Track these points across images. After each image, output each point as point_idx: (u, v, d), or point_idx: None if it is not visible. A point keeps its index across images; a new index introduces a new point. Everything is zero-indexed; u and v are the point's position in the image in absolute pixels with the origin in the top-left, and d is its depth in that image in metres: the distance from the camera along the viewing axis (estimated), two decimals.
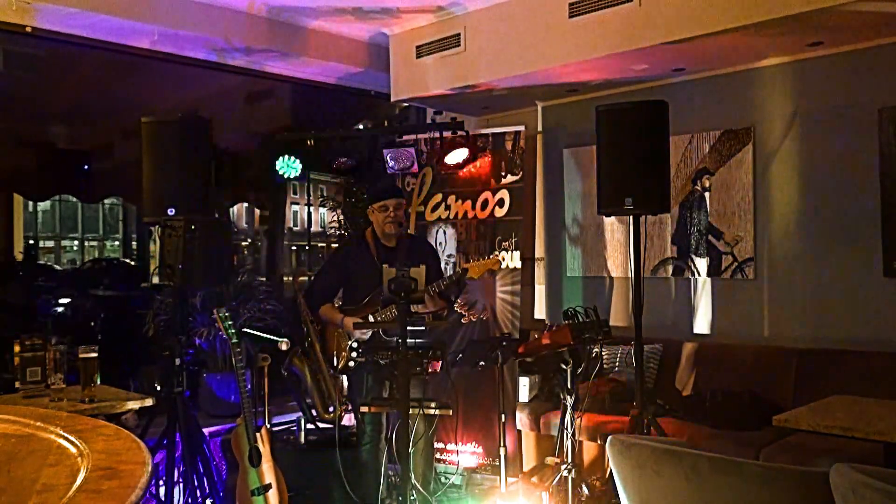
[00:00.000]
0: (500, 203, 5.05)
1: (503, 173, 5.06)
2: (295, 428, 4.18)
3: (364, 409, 3.57)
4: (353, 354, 3.52)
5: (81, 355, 3.39)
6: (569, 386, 3.50)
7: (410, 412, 3.15)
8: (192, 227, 3.60)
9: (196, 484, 3.53)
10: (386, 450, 3.46)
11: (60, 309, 6.26)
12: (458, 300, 4.13)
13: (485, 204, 5.10)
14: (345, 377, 4.16)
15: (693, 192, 4.71)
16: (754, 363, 4.24)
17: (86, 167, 6.01)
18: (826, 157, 4.23)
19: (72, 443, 1.43)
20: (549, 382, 4.57)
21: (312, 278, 4.57)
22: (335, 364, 3.83)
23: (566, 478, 3.50)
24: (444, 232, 5.10)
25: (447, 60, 4.90)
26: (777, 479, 2.02)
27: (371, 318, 3.74)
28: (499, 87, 4.88)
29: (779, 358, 4.17)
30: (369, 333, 3.76)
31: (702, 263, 4.68)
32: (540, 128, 5.42)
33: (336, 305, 3.97)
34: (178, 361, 3.62)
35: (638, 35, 4.00)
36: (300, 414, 4.24)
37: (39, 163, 5.75)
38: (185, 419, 3.57)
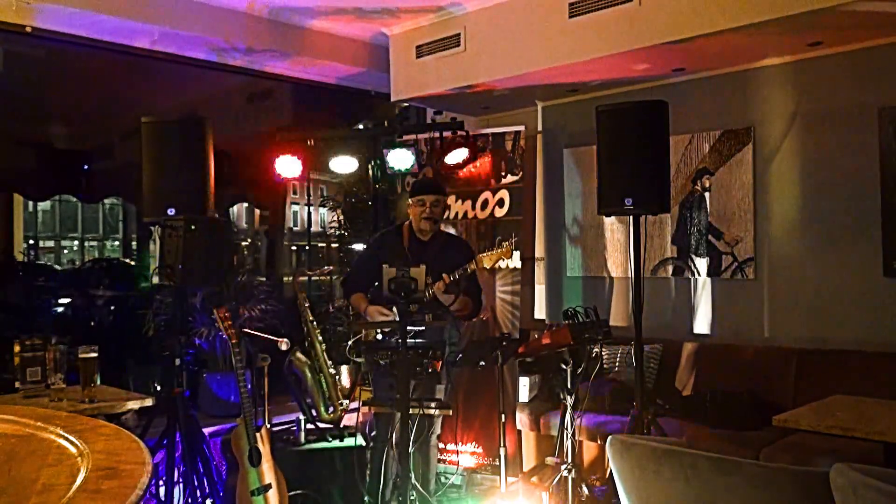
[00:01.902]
0: (500, 203, 5.05)
1: (503, 173, 5.06)
2: (295, 428, 4.18)
3: (365, 408, 3.57)
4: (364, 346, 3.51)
5: (81, 355, 3.39)
6: (569, 386, 3.50)
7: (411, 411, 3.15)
8: (192, 227, 3.60)
9: (196, 484, 3.52)
10: (387, 450, 3.46)
11: (60, 309, 6.26)
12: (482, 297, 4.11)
13: (485, 204, 5.10)
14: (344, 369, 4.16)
15: (693, 192, 4.71)
16: (754, 363, 4.24)
17: (86, 167, 6.00)
18: (826, 158, 4.23)
19: (72, 443, 1.43)
20: (549, 382, 4.57)
21: (351, 266, 4.58)
22: (355, 354, 3.84)
23: (566, 478, 3.50)
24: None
25: (447, 60, 4.90)
26: (777, 479, 2.02)
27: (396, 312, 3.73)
28: (499, 87, 4.88)
29: (779, 358, 4.17)
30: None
31: (702, 263, 4.68)
32: (540, 128, 5.42)
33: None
34: (178, 361, 3.62)
35: (638, 35, 4.00)
36: (300, 414, 4.24)
37: (39, 163, 5.75)
38: (185, 419, 3.56)
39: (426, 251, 3.83)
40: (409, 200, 3.91)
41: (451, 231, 5.15)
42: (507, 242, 3.75)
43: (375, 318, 3.77)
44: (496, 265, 3.96)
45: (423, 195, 3.85)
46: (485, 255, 3.68)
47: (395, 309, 3.76)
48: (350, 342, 3.62)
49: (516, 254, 4.96)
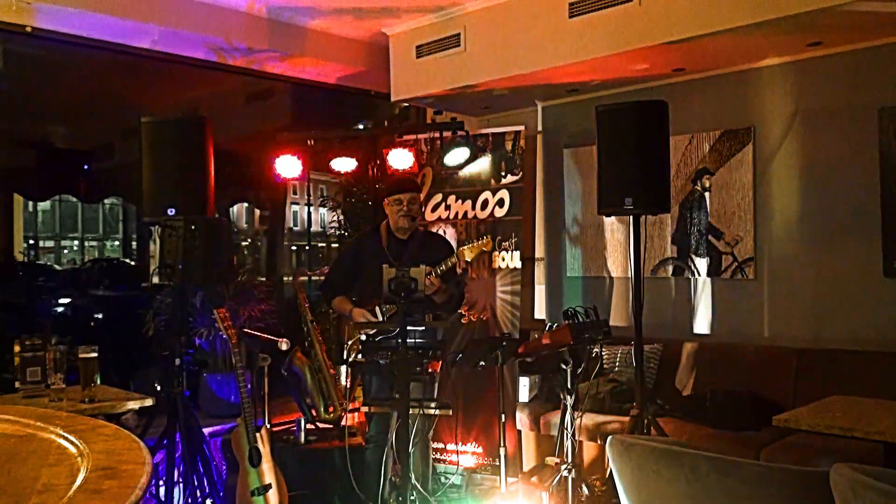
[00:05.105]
0: (500, 203, 5.05)
1: (503, 173, 5.06)
2: (295, 428, 4.18)
3: (364, 408, 3.57)
4: (360, 347, 3.51)
5: (81, 355, 3.38)
6: (569, 386, 3.50)
7: (410, 412, 3.15)
8: (192, 227, 3.60)
9: (196, 484, 3.52)
10: (387, 450, 3.46)
11: (60, 309, 6.25)
12: (465, 287, 4.11)
13: (485, 204, 5.10)
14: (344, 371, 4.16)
15: (693, 192, 4.71)
16: (754, 363, 4.24)
17: (86, 167, 6.00)
18: (826, 157, 4.23)
19: (72, 443, 1.43)
20: (549, 382, 4.57)
21: (329, 269, 4.58)
22: (345, 356, 3.84)
23: (566, 478, 3.50)
24: (444, 232, 5.10)
25: (447, 60, 4.90)
26: (777, 479, 2.02)
27: (378, 311, 3.73)
28: (499, 87, 4.88)
29: (779, 358, 4.17)
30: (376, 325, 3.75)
31: (702, 263, 4.68)
32: (540, 128, 5.42)
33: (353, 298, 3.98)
34: (178, 361, 3.62)
35: (638, 35, 4.00)
36: (300, 414, 4.24)
37: (39, 163, 5.75)
38: (185, 419, 3.57)
39: (405, 250, 3.83)
40: (386, 200, 3.91)
41: (451, 231, 5.15)
42: (487, 236, 3.76)
43: (360, 319, 3.76)
44: (479, 258, 3.97)
45: (400, 193, 3.84)
46: (465, 247, 3.69)
47: (378, 311, 3.76)
48: (350, 343, 3.62)
49: (516, 254, 4.96)
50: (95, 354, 3.41)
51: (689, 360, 4.49)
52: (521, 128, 5.11)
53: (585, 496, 3.53)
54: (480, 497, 4.53)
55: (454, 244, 4.99)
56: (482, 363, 3.59)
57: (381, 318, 3.75)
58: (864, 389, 3.50)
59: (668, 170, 3.70)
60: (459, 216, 5.17)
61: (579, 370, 3.50)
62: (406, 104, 5.66)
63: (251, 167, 5.76)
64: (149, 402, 3.42)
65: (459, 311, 4.84)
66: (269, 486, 3.57)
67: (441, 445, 4.80)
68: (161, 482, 3.65)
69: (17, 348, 3.46)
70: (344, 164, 5.03)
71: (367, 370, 3.81)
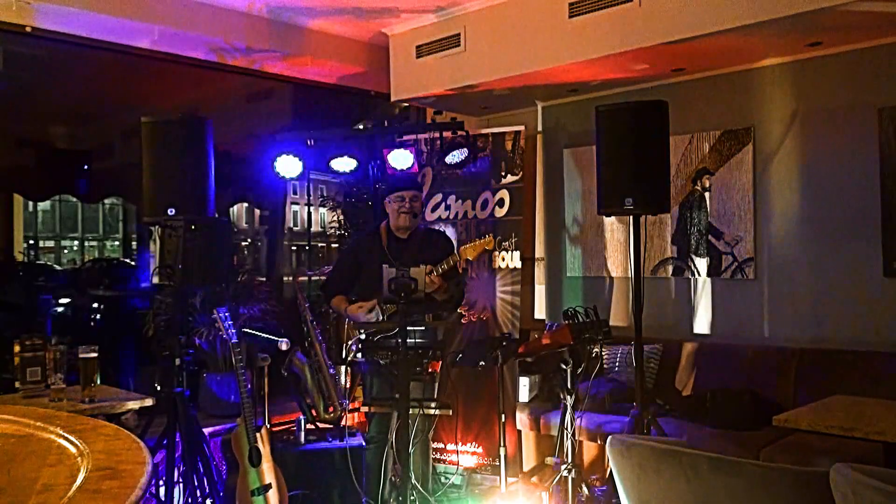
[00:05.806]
0: (500, 203, 5.05)
1: (503, 173, 5.06)
2: (295, 428, 4.18)
3: (364, 408, 3.57)
4: (359, 345, 3.50)
5: (81, 355, 3.39)
6: (569, 386, 3.50)
7: (410, 412, 3.15)
8: (192, 227, 3.59)
9: (196, 484, 3.52)
10: (387, 450, 3.46)
11: (60, 309, 6.25)
12: (465, 284, 4.12)
13: (485, 204, 5.10)
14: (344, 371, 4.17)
15: (693, 192, 4.71)
16: (754, 363, 4.24)
17: (86, 167, 6.00)
18: (826, 157, 4.23)
19: (72, 443, 1.43)
20: (549, 382, 4.57)
21: (329, 270, 4.59)
22: (343, 356, 3.84)
23: (566, 478, 3.50)
24: (444, 232, 5.10)
25: (447, 60, 4.90)
26: (777, 479, 2.02)
27: (378, 309, 3.73)
28: (499, 87, 4.88)
29: (779, 358, 4.17)
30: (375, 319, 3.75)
31: (702, 263, 4.68)
32: (540, 128, 5.42)
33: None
34: (178, 361, 3.62)
35: (638, 35, 4.00)
36: (300, 414, 4.24)
37: (39, 163, 5.75)
38: (185, 419, 3.56)
39: (406, 249, 3.84)
40: (387, 198, 3.92)
41: (451, 231, 5.15)
42: (489, 234, 3.77)
43: (357, 313, 3.76)
44: (480, 257, 3.98)
45: (402, 191, 3.87)
46: (467, 246, 3.70)
47: (378, 308, 3.76)
48: (350, 343, 3.62)
49: (516, 254, 4.96)
50: (95, 354, 3.42)
51: (689, 360, 4.49)
52: (521, 128, 5.11)
53: (585, 496, 3.53)
54: (480, 497, 4.53)
55: (454, 244, 4.98)
56: (482, 363, 3.59)
57: (381, 318, 3.75)
58: (864, 389, 3.50)
59: (667, 170, 3.70)
60: (459, 216, 5.17)
61: (579, 370, 3.51)
62: (406, 104, 5.66)
63: (251, 167, 5.76)
64: (149, 402, 3.42)
65: (459, 310, 4.84)
66: (269, 486, 3.57)
67: (441, 445, 4.80)
68: (161, 482, 3.64)
69: (17, 348, 3.47)
70: (344, 164, 5.02)
71: (367, 370, 3.81)
